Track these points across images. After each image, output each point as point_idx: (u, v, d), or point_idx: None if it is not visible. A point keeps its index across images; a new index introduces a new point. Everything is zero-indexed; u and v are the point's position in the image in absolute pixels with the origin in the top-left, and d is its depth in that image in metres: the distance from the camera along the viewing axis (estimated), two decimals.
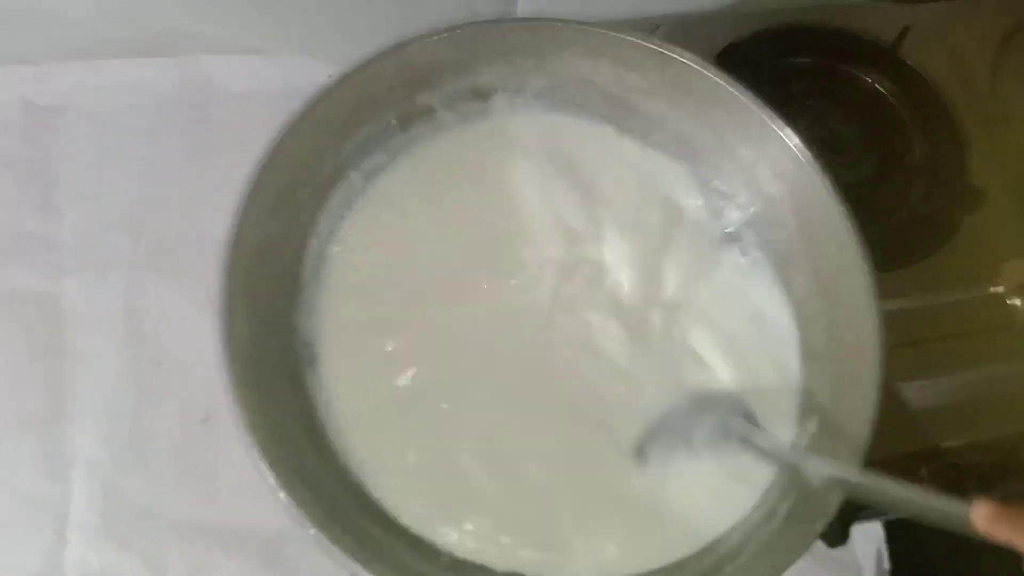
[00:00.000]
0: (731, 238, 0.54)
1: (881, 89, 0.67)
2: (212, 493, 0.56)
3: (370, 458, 0.47)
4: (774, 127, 0.49)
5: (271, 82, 0.63)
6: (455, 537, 0.46)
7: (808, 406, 0.49)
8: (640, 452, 0.48)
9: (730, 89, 0.49)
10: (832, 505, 0.44)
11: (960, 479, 0.58)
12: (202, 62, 0.64)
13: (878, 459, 0.56)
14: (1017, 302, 0.62)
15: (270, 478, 0.40)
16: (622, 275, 0.52)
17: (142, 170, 0.62)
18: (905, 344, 0.58)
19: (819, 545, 0.56)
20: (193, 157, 0.62)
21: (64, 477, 0.55)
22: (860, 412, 0.45)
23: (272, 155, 0.44)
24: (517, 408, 0.49)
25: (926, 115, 0.66)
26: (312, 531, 0.39)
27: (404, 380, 0.49)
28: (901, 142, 0.66)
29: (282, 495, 0.40)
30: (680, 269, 0.53)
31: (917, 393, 0.59)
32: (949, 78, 0.68)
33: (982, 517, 0.36)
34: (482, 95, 0.54)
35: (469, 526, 0.47)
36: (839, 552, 0.57)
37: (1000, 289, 0.62)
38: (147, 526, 0.54)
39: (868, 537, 0.60)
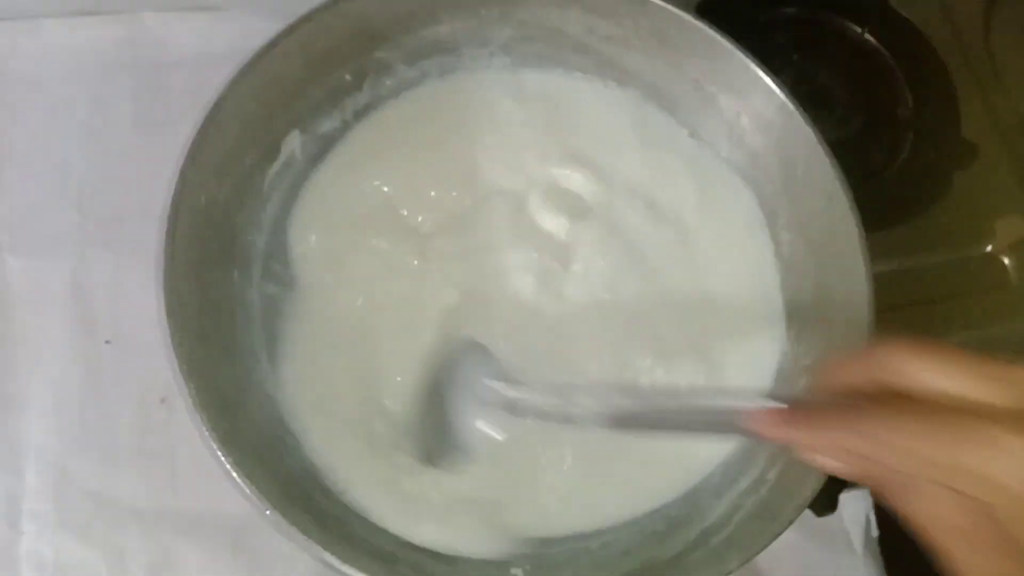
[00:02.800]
0: None
1: (870, 40, 0.65)
2: (173, 478, 0.53)
3: (326, 443, 0.45)
4: (757, 75, 0.46)
5: (223, 41, 0.59)
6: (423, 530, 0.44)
7: (794, 369, 0.47)
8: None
9: (709, 34, 0.46)
10: None
11: None
12: (147, 20, 0.60)
13: None
14: (1009, 261, 0.60)
15: (220, 455, 0.37)
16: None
17: (88, 139, 0.58)
18: (894, 307, 0.56)
19: (806, 514, 0.54)
20: (142, 124, 0.58)
21: (15, 466, 0.52)
22: None
23: (215, 113, 0.41)
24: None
25: (917, 67, 0.64)
26: (268, 512, 0.37)
27: (363, 359, 0.47)
28: (890, 96, 0.64)
29: (234, 474, 0.37)
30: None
31: None
32: (940, 28, 0.66)
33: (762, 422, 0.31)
34: (445, 49, 0.51)
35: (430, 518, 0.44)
36: (826, 520, 0.56)
37: (992, 248, 0.60)
38: (105, 515, 0.51)
39: (855, 505, 0.58)
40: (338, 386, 0.46)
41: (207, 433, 0.37)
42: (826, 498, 0.54)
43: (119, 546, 0.51)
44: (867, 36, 0.65)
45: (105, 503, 0.52)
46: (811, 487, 0.41)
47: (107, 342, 0.54)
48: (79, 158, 0.57)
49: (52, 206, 0.56)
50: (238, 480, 0.37)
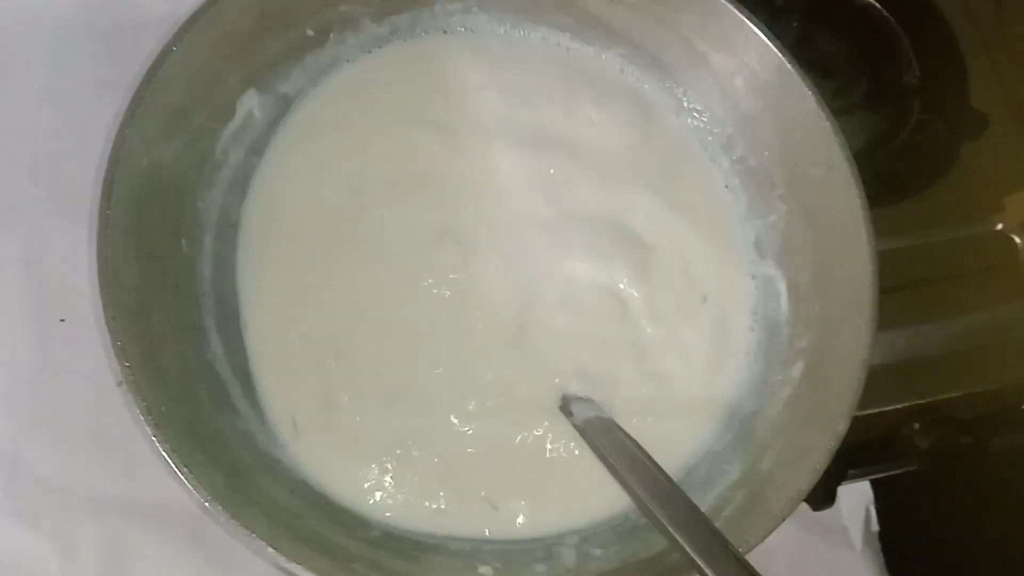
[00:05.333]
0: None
1: (875, 5, 0.61)
2: (130, 464, 0.50)
3: (288, 416, 0.42)
4: (753, 31, 0.43)
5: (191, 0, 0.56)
6: (378, 495, 0.42)
7: (792, 350, 0.44)
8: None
9: None
10: (820, 461, 0.38)
11: (955, 434, 0.55)
12: None
13: (867, 415, 0.51)
14: (1020, 239, 0.58)
15: (154, 439, 0.34)
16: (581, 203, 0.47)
17: (45, 105, 0.54)
18: (898, 287, 0.54)
19: (802, 507, 0.51)
20: (104, 90, 0.54)
21: None
22: (851, 355, 0.40)
23: (157, 68, 0.38)
24: (452, 358, 0.44)
25: (924, 33, 0.61)
26: (207, 503, 0.34)
27: (329, 329, 0.44)
28: (896, 63, 0.61)
29: (170, 461, 0.34)
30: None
31: (910, 341, 0.54)
32: None
33: None
34: (417, 4, 0.47)
35: (393, 481, 0.42)
36: (823, 514, 0.54)
37: (1002, 226, 0.58)
38: (56, 502, 0.49)
39: (855, 498, 0.56)
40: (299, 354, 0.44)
41: (141, 416, 0.34)
42: (824, 491, 0.52)
43: (70, 536, 0.48)
44: (872, 1, 0.61)
45: (56, 490, 0.49)
46: (807, 480, 0.38)
47: (62, 320, 0.51)
48: (35, 125, 0.54)
49: (3, 176, 0.53)
50: (174, 467, 0.33)
